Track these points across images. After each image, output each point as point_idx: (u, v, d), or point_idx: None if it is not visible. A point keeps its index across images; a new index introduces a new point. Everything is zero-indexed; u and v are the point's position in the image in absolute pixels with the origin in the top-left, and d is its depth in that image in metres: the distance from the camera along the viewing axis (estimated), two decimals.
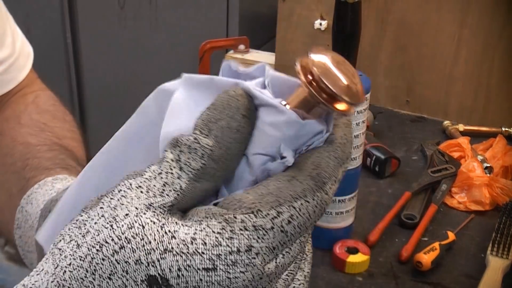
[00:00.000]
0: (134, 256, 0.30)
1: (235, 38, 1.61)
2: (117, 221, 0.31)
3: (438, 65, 1.30)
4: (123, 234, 0.30)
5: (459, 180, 1.04)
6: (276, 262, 0.32)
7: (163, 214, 0.31)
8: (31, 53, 0.76)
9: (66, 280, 0.30)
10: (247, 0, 1.94)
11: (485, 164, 1.06)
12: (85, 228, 0.31)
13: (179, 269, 0.30)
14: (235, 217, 0.31)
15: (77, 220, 0.32)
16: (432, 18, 1.27)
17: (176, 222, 0.31)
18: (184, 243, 0.30)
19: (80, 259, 0.30)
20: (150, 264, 0.30)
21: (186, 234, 0.30)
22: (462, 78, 1.29)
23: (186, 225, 0.31)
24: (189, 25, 1.97)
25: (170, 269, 0.30)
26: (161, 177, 0.32)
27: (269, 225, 0.31)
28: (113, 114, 2.18)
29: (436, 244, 0.88)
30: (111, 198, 0.32)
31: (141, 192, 0.31)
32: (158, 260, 0.30)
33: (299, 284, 0.35)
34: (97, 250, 0.30)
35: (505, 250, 0.87)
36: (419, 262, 0.85)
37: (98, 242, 0.30)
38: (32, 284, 0.31)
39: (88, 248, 0.30)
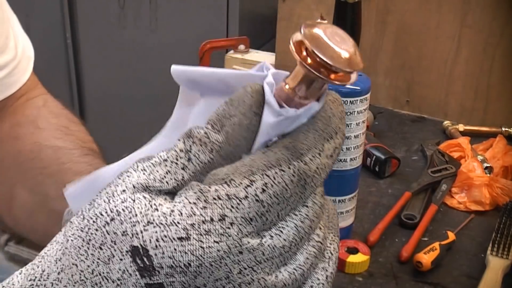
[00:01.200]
0: (122, 227, 0.32)
1: (235, 38, 1.61)
2: (114, 196, 0.32)
3: (438, 65, 1.30)
4: (115, 207, 0.32)
5: (459, 180, 1.04)
6: (261, 241, 0.32)
7: (158, 195, 0.32)
8: (32, 55, 0.76)
9: (67, 248, 0.33)
10: (247, 0, 1.94)
11: (485, 164, 1.06)
12: (92, 204, 0.33)
13: (157, 240, 0.31)
14: (209, 187, 0.32)
15: (93, 199, 0.34)
16: (432, 18, 1.27)
17: (165, 199, 0.32)
18: (164, 215, 0.31)
19: (81, 230, 0.33)
20: (134, 235, 0.31)
21: (167, 207, 0.32)
22: (462, 78, 1.28)
23: (171, 200, 0.32)
24: (189, 25, 1.97)
25: (150, 240, 0.31)
26: (166, 165, 0.33)
27: (242, 193, 0.31)
28: (113, 114, 2.18)
29: (436, 244, 0.88)
30: (119, 178, 0.33)
31: (144, 174, 0.33)
32: (141, 232, 0.31)
33: (318, 284, 0.34)
34: (94, 221, 0.32)
35: (505, 250, 0.87)
36: (419, 262, 0.85)
37: (95, 214, 0.32)
38: (45, 253, 0.34)
39: (87, 219, 0.33)
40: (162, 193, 0.33)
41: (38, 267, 0.34)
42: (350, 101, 0.81)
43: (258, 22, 1.98)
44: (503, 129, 1.22)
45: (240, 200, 0.31)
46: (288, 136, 0.33)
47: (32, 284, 0.34)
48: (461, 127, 1.23)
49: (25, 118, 0.69)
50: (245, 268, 0.32)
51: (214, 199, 0.31)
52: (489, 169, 1.05)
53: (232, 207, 0.31)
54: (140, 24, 2.05)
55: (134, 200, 0.32)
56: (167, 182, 0.33)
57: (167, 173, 0.33)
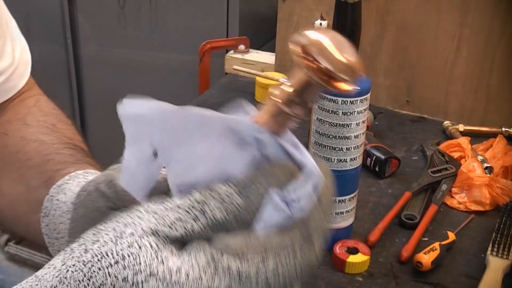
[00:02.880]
0: (124, 273, 0.31)
1: (235, 38, 1.61)
2: (122, 238, 0.32)
3: (438, 65, 1.30)
4: (121, 250, 0.32)
5: (459, 180, 1.04)
6: None
7: (165, 243, 0.32)
8: (29, 60, 0.76)
9: (67, 278, 0.32)
10: (247, 0, 1.93)
11: (485, 164, 1.06)
12: (97, 237, 0.33)
13: None
14: (221, 256, 0.31)
15: (95, 228, 0.34)
16: (432, 18, 1.27)
17: (171, 251, 0.32)
18: (169, 271, 0.31)
19: (83, 264, 0.32)
20: (134, 284, 0.31)
21: (174, 262, 0.31)
22: (462, 78, 1.28)
23: (178, 255, 0.32)
24: (189, 25, 1.97)
25: None
26: (178, 211, 0.33)
27: (253, 271, 0.32)
28: (113, 114, 2.18)
29: (436, 244, 0.88)
30: (128, 215, 0.33)
31: (154, 217, 0.32)
32: (142, 282, 0.31)
33: None
34: (98, 260, 0.32)
35: (505, 250, 0.87)
36: (419, 262, 0.85)
37: (101, 252, 0.32)
38: (42, 276, 0.33)
39: (92, 255, 0.32)
40: (169, 239, 0.32)
41: None
42: (350, 101, 0.81)
43: (258, 22, 1.98)
44: (503, 129, 1.22)
45: (250, 279, 0.31)
46: (302, 217, 0.34)
47: None
48: (461, 127, 1.23)
49: (15, 116, 0.70)
50: None
51: (224, 270, 0.31)
52: (489, 169, 1.05)
53: (239, 283, 0.31)
54: (140, 24, 2.04)
55: (140, 247, 0.32)
56: (176, 229, 0.32)
57: (177, 219, 0.32)
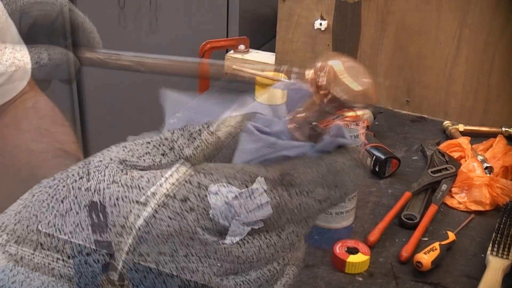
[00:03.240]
0: (87, 184, 0.32)
1: (235, 38, 1.61)
2: (89, 163, 0.33)
3: (438, 65, 1.30)
4: (88, 169, 0.33)
5: (459, 180, 1.04)
6: (218, 240, 0.32)
7: (132, 168, 0.33)
8: (29, 62, 0.76)
9: (32, 202, 0.34)
10: (247, 0, 1.94)
11: (485, 164, 1.06)
12: (66, 169, 0.34)
13: (117, 198, 0.32)
14: (186, 171, 0.32)
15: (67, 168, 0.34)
16: (432, 18, 1.27)
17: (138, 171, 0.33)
18: (131, 178, 0.32)
19: (49, 187, 0.33)
20: (96, 191, 0.32)
21: (138, 172, 0.32)
22: (462, 78, 1.28)
23: (145, 170, 0.33)
24: (189, 25, 1.97)
25: (110, 198, 0.32)
26: (147, 147, 0.34)
27: (214, 189, 0.32)
28: (113, 114, 2.18)
29: (436, 244, 0.88)
30: (97, 153, 0.34)
31: (123, 150, 0.34)
32: (104, 189, 0.32)
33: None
34: (63, 179, 0.33)
35: (505, 250, 0.87)
36: (419, 262, 0.85)
37: (67, 174, 0.33)
38: (8, 209, 0.34)
39: (58, 179, 0.33)
40: (136, 168, 0.33)
41: None
42: None
43: (258, 22, 1.98)
44: (503, 129, 1.22)
45: (209, 193, 0.32)
46: (291, 162, 0.34)
47: None
48: (461, 127, 1.23)
49: (13, 118, 0.72)
50: (192, 255, 0.32)
51: (185, 181, 0.32)
52: (489, 169, 1.05)
53: (199, 195, 0.32)
54: (140, 24, 2.05)
55: (106, 166, 0.33)
56: (144, 160, 0.33)
57: (146, 153, 0.33)
